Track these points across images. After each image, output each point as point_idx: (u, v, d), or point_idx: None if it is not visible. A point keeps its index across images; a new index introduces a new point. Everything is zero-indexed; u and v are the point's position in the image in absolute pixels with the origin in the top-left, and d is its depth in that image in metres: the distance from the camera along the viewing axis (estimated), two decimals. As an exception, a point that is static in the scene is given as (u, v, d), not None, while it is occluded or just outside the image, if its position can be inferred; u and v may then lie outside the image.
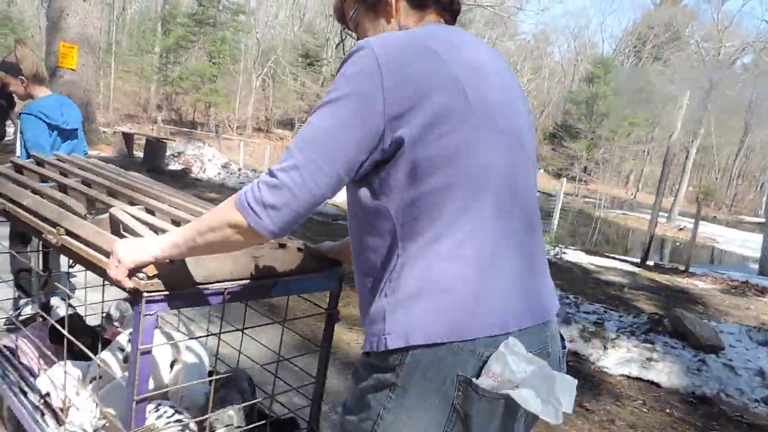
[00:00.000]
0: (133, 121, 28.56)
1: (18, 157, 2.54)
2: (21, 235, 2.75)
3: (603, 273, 7.46)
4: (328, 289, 1.54)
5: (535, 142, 1.08)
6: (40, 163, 1.97)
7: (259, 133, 35.77)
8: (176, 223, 1.38)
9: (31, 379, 1.79)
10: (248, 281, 1.30)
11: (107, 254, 1.15)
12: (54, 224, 1.36)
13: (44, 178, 1.79)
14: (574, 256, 8.39)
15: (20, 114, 2.76)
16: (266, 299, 2.42)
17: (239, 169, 13.47)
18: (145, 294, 1.10)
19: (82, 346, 1.46)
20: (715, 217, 37.89)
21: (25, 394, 1.72)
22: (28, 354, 1.90)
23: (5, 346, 1.94)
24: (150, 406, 1.47)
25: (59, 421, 1.59)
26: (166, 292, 1.13)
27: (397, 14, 1.08)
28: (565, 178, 14.88)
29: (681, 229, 23.07)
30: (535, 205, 1.04)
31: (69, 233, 1.31)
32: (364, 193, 0.97)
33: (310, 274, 1.44)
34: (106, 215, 1.40)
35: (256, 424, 1.58)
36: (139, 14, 36.31)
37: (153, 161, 10.60)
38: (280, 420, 1.69)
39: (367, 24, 1.13)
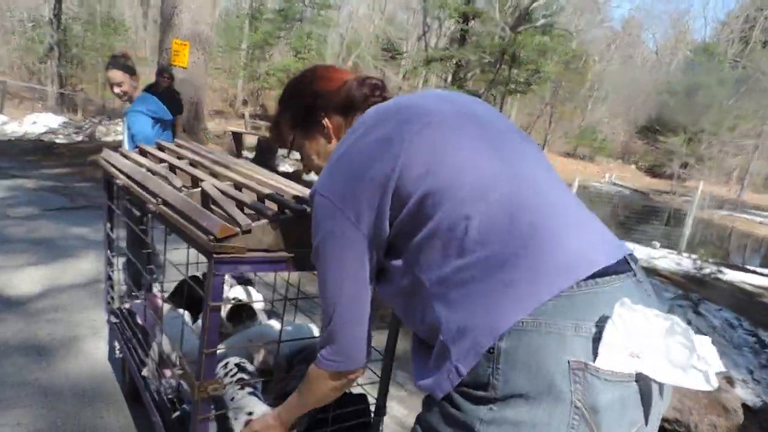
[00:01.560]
0: (221, 117, 29.71)
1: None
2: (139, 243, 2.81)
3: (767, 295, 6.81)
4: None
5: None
6: (161, 148, 2.27)
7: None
8: (261, 198, 1.56)
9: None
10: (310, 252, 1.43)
11: (193, 221, 1.37)
12: (155, 195, 1.61)
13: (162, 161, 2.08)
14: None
15: (127, 111, 3.21)
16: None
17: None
18: (215, 255, 1.27)
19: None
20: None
21: (136, 349, 2.07)
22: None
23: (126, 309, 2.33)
24: (223, 362, 1.68)
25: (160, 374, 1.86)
26: (235, 255, 1.29)
27: (336, 131, 1.20)
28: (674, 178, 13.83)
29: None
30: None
31: (165, 203, 1.54)
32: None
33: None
34: (198, 190, 1.64)
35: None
36: (226, 11, 37.57)
37: (264, 161, 10.75)
38: (349, 395, 1.76)
39: (309, 146, 1.25)
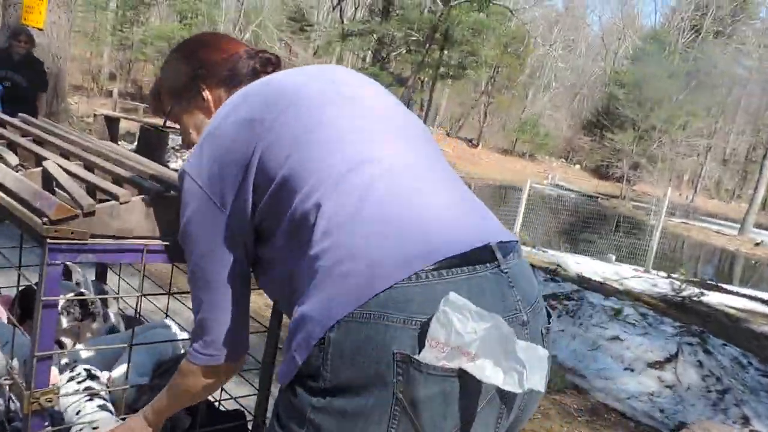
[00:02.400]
0: (81, 94, 28.27)
1: None
2: None
3: (751, 320, 7.26)
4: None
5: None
6: (2, 123, 2.24)
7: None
8: (117, 182, 1.60)
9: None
10: (171, 237, 1.48)
11: (26, 203, 1.40)
12: None
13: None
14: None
15: None
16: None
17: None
18: (49, 241, 1.31)
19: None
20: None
21: None
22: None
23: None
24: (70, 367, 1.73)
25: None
26: (75, 241, 1.35)
27: (216, 106, 1.26)
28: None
29: (758, 243, 23.42)
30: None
31: None
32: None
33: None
34: (38, 170, 1.66)
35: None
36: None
37: (149, 155, 10.29)
38: (224, 412, 1.87)
39: (187, 119, 1.35)
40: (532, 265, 1.05)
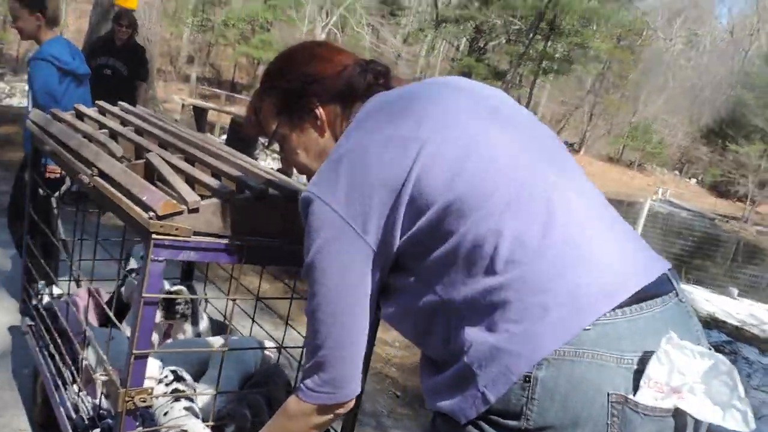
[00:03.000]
0: (158, 77, 29.59)
1: (27, 109, 3.03)
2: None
3: None
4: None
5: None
6: (102, 112, 2.39)
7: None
8: (216, 175, 1.68)
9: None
10: (271, 240, 1.55)
11: (132, 196, 1.46)
12: (90, 165, 1.70)
13: (102, 126, 2.18)
14: None
15: (29, 60, 3.17)
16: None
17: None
18: (154, 236, 1.36)
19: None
20: None
21: (53, 358, 2.18)
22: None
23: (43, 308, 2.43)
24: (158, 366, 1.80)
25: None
26: (179, 238, 1.40)
27: (330, 123, 1.27)
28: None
29: None
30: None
31: (102, 174, 1.64)
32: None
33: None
34: (141, 162, 1.74)
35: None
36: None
37: (238, 149, 10.41)
38: None
39: (295, 139, 1.32)
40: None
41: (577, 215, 1.06)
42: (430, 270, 1.08)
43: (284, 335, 2.07)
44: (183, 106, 13.98)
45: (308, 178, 1.35)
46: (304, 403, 1.19)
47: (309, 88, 1.27)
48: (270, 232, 1.59)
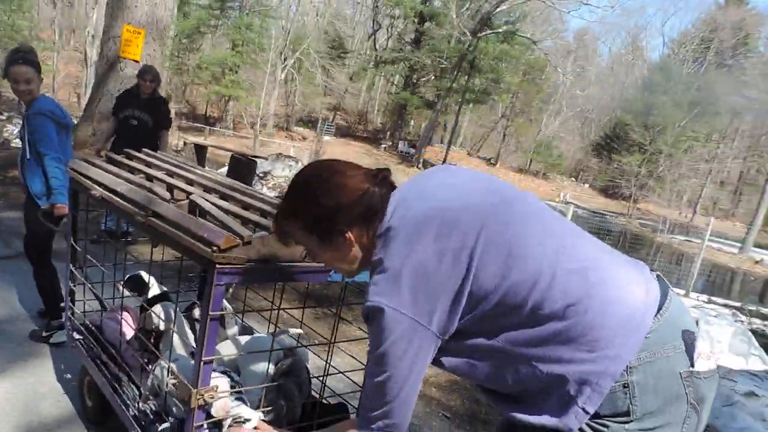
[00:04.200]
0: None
1: (26, 157, 3.07)
2: None
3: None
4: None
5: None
6: (129, 157, 2.44)
7: (279, 131, 36.07)
8: (245, 207, 1.78)
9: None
10: (310, 264, 1.61)
11: (191, 233, 1.53)
12: (143, 208, 1.77)
13: (132, 170, 2.21)
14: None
15: (29, 115, 3.15)
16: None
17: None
18: (218, 266, 1.47)
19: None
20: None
21: (106, 365, 2.20)
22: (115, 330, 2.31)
23: (91, 324, 2.42)
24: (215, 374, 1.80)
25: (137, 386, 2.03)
26: (236, 266, 1.50)
27: (357, 240, 1.25)
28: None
29: (757, 261, 22.97)
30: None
31: (155, 215, 1.71)
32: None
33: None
34: (186, 201, 1.84)
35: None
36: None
37: (240, 180, 9.81)
38: (329, 405, 1.98)
39: (327, 256, 1.30)
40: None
41: (591, 263, 1.16)
42: (494, 331, 1.15)
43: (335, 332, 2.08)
44: (185, 143, 13.48)
45: (339, 271, 1.39)
46: None
47: (335, 218, 1.22)
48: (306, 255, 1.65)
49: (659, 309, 1.14)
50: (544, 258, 1.13)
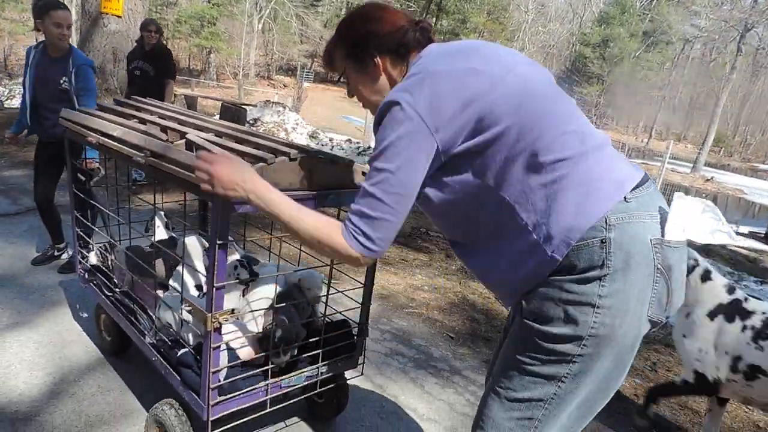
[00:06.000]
0: (123, 69, 27.64)
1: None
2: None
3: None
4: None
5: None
6: (120, 104, 2.36)
7: (261, 80, 35.04)
8: (240, 142, 1.74)
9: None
10: (306, 191, 1.59)
11: (188, 168, 1.45)
12: (141, 149, 1.70)
13: (126, 116, 2.14)
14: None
15: (82, 65, 3.09)
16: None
17: (330, 140, 11.78)
18: None
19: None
20: (728, 165, 38.22)
21: (121, 303, 2.17)
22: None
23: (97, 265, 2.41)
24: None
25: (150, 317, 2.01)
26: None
27: (384, 71, 1.30)
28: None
29: (708, 179, 23.37)
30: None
31: (154, 155, 1.64)
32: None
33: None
34: (182, 141, 1.77)
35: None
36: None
37: None
38: (332, 322, 2.03)
39: (355, 77, 1.35)
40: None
41: (591, 132, 1.18)
42: (487, 169, 1.14)
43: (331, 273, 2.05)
44: (175, 96, 13.14)
45: (365, 107, 1.39)
46: (347, 245, 1.17)
47: (369, 42, 1.29)
48: (312, 185, 1.61)
49: (642, 184, 1.16)
50: (553, 115, 1.15)
